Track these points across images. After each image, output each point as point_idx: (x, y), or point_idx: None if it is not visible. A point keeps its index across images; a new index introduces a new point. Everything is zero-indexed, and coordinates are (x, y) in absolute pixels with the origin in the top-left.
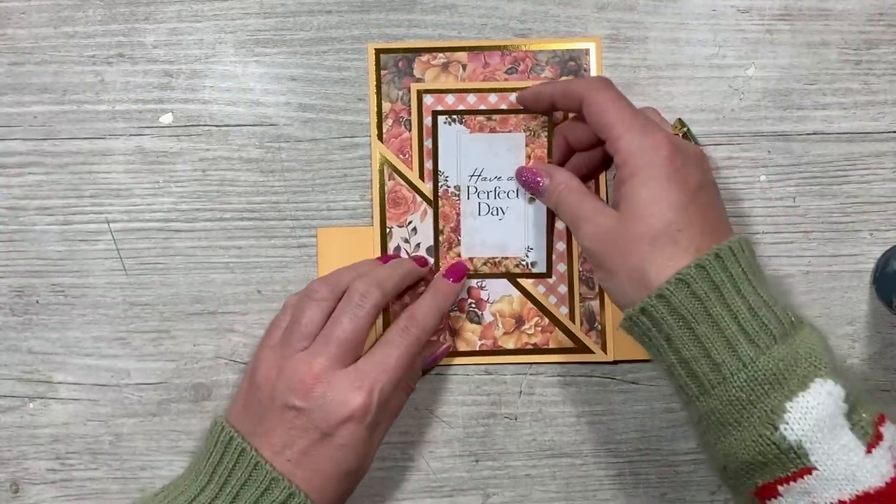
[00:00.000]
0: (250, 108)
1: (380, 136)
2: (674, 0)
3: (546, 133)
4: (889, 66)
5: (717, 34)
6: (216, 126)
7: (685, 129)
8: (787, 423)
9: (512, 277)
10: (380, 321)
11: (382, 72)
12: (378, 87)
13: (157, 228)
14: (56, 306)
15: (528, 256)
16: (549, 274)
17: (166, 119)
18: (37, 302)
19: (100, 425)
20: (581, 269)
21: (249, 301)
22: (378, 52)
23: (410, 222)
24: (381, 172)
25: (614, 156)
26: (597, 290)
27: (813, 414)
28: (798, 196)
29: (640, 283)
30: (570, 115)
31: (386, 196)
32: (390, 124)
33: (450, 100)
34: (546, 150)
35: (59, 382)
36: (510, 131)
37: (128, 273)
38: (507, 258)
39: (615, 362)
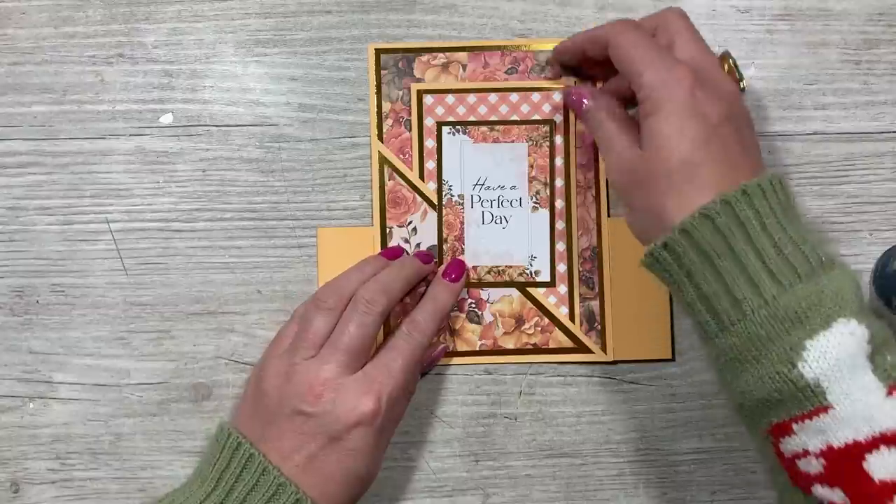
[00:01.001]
0: (250, 108)
1: (380, 136)
2: (674, 0)
3: (548, 143)
4: (889, 66)
5: (717, 34)
6: (216, 126)
7: (731, 60)
8: (806, 361)
9: (516, 287)
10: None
11: (382, 72)
12: (378, 87)
13: (157, 228)
14: (56, 306)
15: (531, 265)
16: (552, 283)
17: (166, 119)
18: (37, 302)
19: (100, 425)
20: (581, 269)
21: (249, 301)
22: (378, 52)
23: (410, 222)
24: (381, 172)
25: (637, 93)
26: (597, 290)
27: (833, 353)
28: (798, 196)
29: (659, 220)
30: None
31: (386, 196)
32: (390, 124)
33: (450, 100)
34: (548, 160)
35: (60, 382)
36: (513, 141)
37: (128, 273)
38: (511, 267)
39: (615, 362)
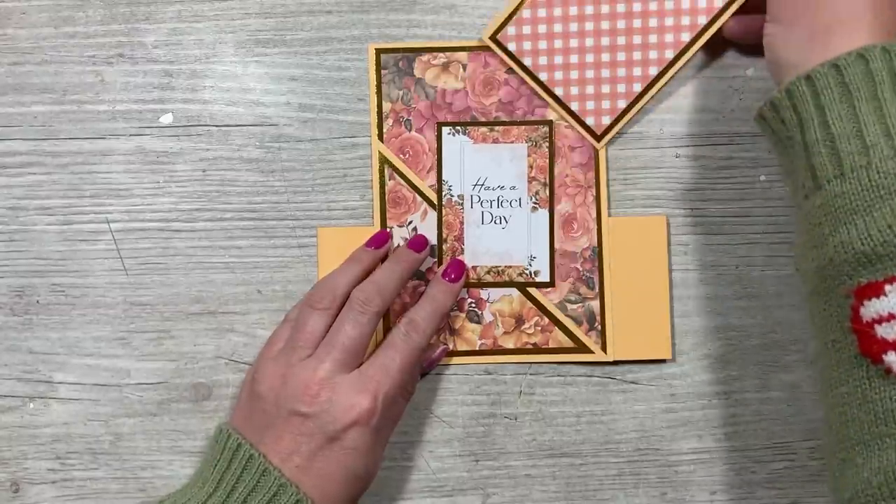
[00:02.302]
0: (250, 108)
1: (380, 136)
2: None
3: (547, 143)
4: None
5: (718, 34)
6: (216, 126)
7: None
8: None
9: (516, 287)
10: (380, 324)
11: (383, 72)
12: (378, 87)
13: (157, 228)
14: (56, 306)
15: (531, 265)
16: (552, 283)
17: (166, 119)
18: (37, 302)
19: (100, 425)
20: (581, 269)
21: (249, 301)
22: (378, 52)
23: (410, 222)
24: (382, 172)
25: None
26: (597, 290)
27: None
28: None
29: (820, 44)
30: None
31: (386, 196)
32: (390, 124)
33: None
34: (547, 160)
35: (60, 382)
36: (513, 142)
37: (128, 273)
38: (510, 267)
39: (615, 362)
